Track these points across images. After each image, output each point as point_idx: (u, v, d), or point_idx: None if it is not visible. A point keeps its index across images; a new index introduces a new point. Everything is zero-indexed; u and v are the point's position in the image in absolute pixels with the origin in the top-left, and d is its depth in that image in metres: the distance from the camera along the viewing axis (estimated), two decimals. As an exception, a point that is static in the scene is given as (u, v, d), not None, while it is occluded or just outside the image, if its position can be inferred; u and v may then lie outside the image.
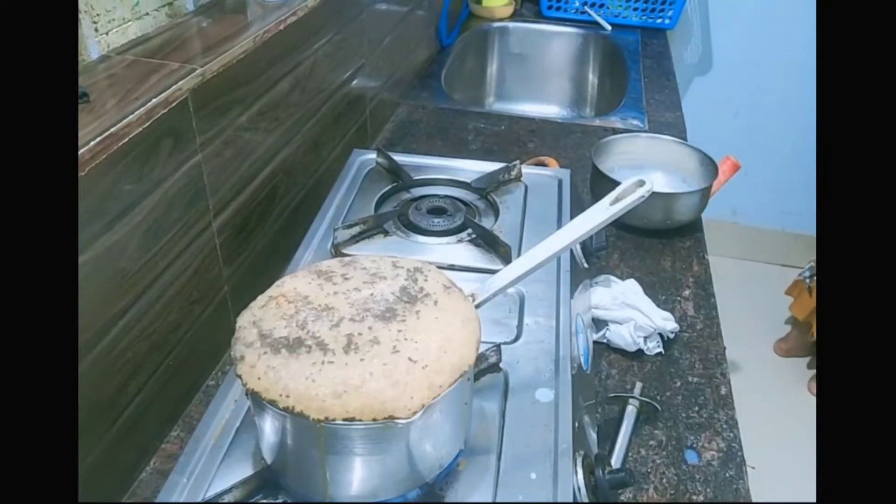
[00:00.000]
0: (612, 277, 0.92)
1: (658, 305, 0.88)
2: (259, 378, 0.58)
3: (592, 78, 1.83)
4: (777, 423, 1.91)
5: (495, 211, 0.91)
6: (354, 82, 1.14)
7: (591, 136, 1.33)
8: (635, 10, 1.86)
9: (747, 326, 2.14)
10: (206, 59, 0.72)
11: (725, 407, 0.80)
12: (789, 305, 2.13)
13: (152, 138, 0.65)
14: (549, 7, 1.86)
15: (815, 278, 2.00)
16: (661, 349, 0.86)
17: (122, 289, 0.64)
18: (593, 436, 0.71)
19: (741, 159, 1.20)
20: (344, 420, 0.49)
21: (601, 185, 1.06)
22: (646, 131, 1.35)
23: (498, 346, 0.67)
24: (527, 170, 0.98)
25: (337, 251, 0.81)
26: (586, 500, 0.59)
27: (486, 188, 0.93)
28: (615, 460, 0.72)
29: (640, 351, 0.86)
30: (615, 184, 0.62)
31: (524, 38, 1.85)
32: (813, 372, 2.09)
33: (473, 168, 0.98)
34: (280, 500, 0.56)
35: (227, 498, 0.55)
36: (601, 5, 1.86)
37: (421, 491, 0.56)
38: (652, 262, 1.02)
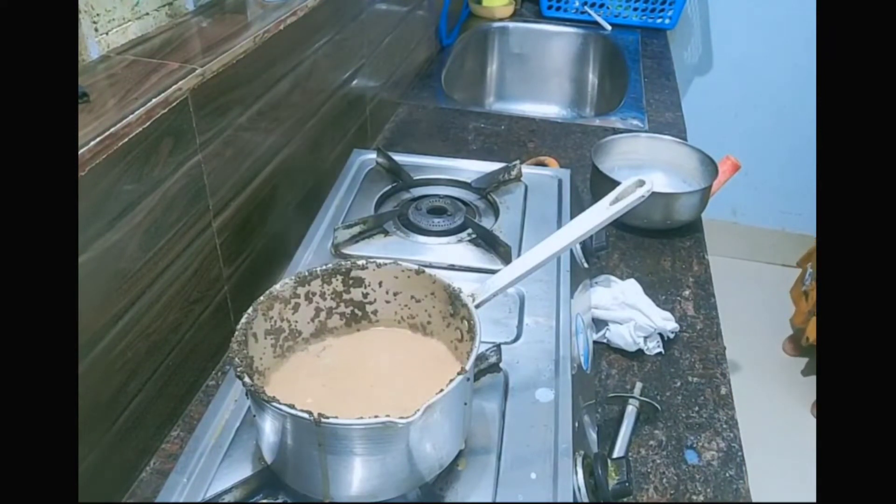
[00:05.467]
0: (612, 277, 0.92)
1: (658, 305, 0.88)
2: (260, 377, 0.58)
3: (592, 78, 1.83)
4: (777, 423, 1.91)
5: (495, 211, 0.91)
6: (354, 82, 1.14)
7: (591, 136, 1.33)
8: (635, 10, 1.86)
9: (747, 326, 2.14)
10: (206, 59, 0.72)
11: (725, 407, 0.80)
12: (791, 316, 2.14)
13: (152, 138, 0.65)
14: (549, 7, 1.86)
15: (812, 283, 2.02)
16: (661, 349, 0.86)
17: (122, 289, 0.64)
18: (593, 436, 0.71)
19: (741, 159, 1.20)
20: (344, 419, 0.49)
21: (601, 185, 1.06)
22: (646, 131, 1.35)
23: (498, 346, 0.67)
24: (527, 170, 0.98)
25: (337, 251, 0.81)
26: (586, 500, 0.59)
27: (486, 188, 0.93)
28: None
29: (640, 351, 0.85)
30: (615, 184, 0.61)
31: (524, 38, 1.85)
32: (813, 391, 2.09)
33: (473, 168, 0.98)
34: (280, 500, 0.56)
35: (227, 498, 0.55)
36: (601, 5, 1.86)
37: (421, 491, 0.56)
38: (652, 262, 1.02)
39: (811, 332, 2.03)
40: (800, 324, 2.10)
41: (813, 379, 2.11)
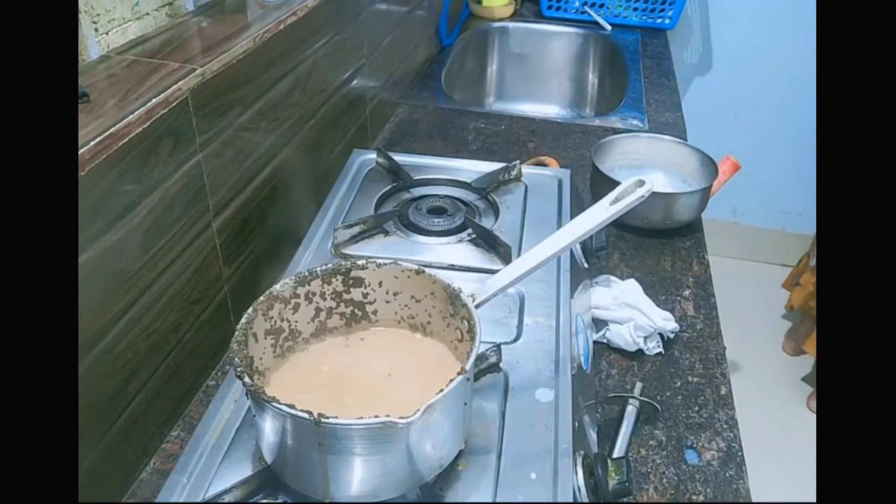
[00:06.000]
0: (612, 277, 0.92)
1: (658, 305, 0.88)
2: (260, 377, 0.58)
3: (592, 78, 1.83)
4: (777, 423, 1.91)
5: (495, 211, 0.91)
6: (354, 82, 1.14)
7: (591, 136, 1.33)
8: (635, 10, 1.86)
9: (747, 326, 2.14)
10: (206, 59, 0.72)
11: (725, 407, 0.80)
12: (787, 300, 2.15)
13: (152, 138, 0.65)
14: (549, 7, 1.86)
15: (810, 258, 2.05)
16: (661, 349, 0.86)
17: (122, 289, 0.64)
18: (593, 436, 0.71)
19: (741, 159, 1.20)
20: (344, 419, 0.49)
21: (601, 185, 1.06)
22: (646, 131, 1.35)
23: (498, 346, 0.67)
24: (527, 170, 0.98)
25: (337, 251, 0.81)
26: (586, 500, 0.59)
27: (486, 188, 0.93)
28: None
29: (640, 351, 0.85)
30: (615, 184, 0.62)
31: (524, 38, 1.85)
32: (812, 389, 2.09)
33: (473, 168, 0.99)
34: (280, 500, 0.56)
35: (227, 498, 0.55)
36: (601, 5, 1.86)
37: (421, 491, 0.56)
38: (652, 262, 1.02)
39: (794, 301, 2.08)
40: (785, 286, 2.16)
41: (812, 379, 2.11)
